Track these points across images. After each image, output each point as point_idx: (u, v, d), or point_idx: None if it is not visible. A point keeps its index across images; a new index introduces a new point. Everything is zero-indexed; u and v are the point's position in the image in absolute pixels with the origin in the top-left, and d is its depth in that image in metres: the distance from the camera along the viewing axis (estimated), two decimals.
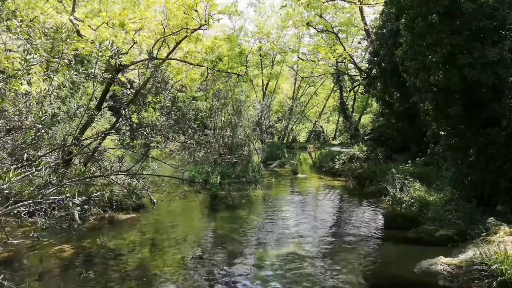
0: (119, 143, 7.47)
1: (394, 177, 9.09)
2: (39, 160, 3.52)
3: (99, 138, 7.03)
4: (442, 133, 8.54)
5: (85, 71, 9.98)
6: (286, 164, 19.77)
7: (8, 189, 3.10)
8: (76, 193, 5.96)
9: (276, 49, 30.29)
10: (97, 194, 7.17)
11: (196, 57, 11.41)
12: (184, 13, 9.63)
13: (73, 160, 8.03)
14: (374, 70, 16.44)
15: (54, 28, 4.39)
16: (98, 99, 10.33)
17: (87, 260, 5.87)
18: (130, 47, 9.45)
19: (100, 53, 4.60)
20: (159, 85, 8.38)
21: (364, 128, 30.20)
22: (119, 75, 11.42)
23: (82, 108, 6.03)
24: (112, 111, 19.06)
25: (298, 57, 29.69)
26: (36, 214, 4.27)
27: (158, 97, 8.58)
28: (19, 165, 4.07)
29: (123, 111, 5.96)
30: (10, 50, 5.47)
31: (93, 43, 5.21)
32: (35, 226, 3.99)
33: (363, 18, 19.55)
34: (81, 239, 6.58)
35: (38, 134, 4.04)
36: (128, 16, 8.96)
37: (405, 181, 8.99)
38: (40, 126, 3.91)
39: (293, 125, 36.50)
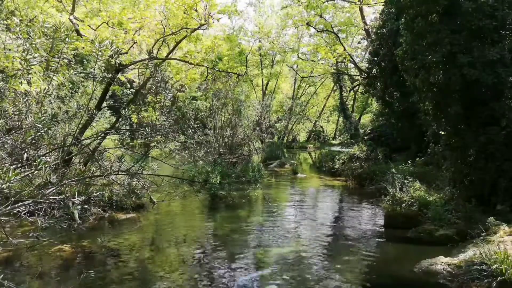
0: (119, 143, 7.49)
1: (394, 177, 9.07)
2: (39, 159, 3.52)
3: (99, 138, 7.03)
4: (442, 132, 8.53)
5: (85, 71, 9.98)
6: (286, 164, 19.77)
7: (8, 188, 3.10)
8: (76, 192, 5.97)
9: (276, 48, 30.29)
10: (97, 194, 7.17)
11: (196, 56, 11.41)
12: (184, 12, 9.63)
13: (73, 160, 8.02)
14: (374, 70, 16.44)
15: (54, 27, 4.38)
16: (98, 99, 10.32)
17: (87, 260, 5.87)
18: (130, 47, 9.44)
19: (99, 53, 4.60)
20: (159, 84, 8.37)
21: (364, 128, 30.19)
22: (119, 75, 11.40)
23: (82, 108, 6.04)
24: (112, 111, 19.06)
25: (298, 57, 29.70)
26: (36, 214, 4.27)
27: (158, 97, 8.58)
28: (19, 165, 4.06)
29: (123, 110, 5.96)
30: (9, 50, 5.46)
31: (93, 42, 5.21)
32: (35, 225, 3.98)
33: (363, 18, 19.56)
34: (81, 239, 6.58)
35: (38, 134, 4.03)
36: (128, 16, 8.96)
37: (405, 181, 8.97)
38: (40, 126, 3.91)
39: (293, 125, 36.46)
